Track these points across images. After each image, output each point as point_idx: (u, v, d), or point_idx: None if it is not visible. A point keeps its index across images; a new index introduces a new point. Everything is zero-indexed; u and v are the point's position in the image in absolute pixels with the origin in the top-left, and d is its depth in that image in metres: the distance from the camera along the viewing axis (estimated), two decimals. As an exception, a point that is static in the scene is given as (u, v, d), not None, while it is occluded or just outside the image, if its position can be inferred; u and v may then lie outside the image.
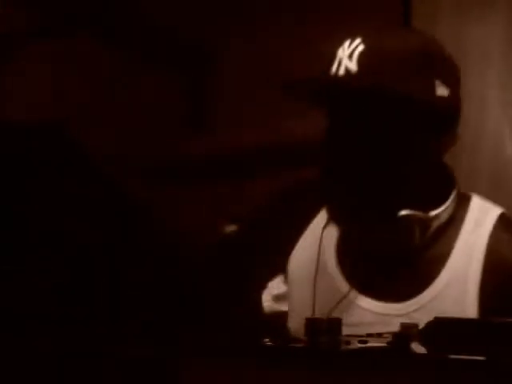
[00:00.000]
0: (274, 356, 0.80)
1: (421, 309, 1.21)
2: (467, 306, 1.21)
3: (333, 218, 1.26)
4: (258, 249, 1.37)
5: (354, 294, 1.25)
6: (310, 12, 2.53)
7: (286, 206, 1.37)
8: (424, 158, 1.24)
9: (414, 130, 1.22)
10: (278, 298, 1.34)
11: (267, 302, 1.34)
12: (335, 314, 1.20)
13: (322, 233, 1.28)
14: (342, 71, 1.22)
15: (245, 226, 1.46)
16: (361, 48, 1.21)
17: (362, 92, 1.21)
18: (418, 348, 0.84)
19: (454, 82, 1.25)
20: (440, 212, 1.24)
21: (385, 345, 0.86)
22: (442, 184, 1.28)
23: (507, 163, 1.89)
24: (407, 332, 0.87)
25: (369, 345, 0.86)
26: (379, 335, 0.89)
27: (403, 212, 1.20)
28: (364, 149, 1.22)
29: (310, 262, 1.29)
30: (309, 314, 1.18)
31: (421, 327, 0.88)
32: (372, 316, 1.23)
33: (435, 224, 1.24)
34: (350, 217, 1.26)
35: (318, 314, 1.10)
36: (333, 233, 1.31)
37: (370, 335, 0.90)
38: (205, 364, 0.80)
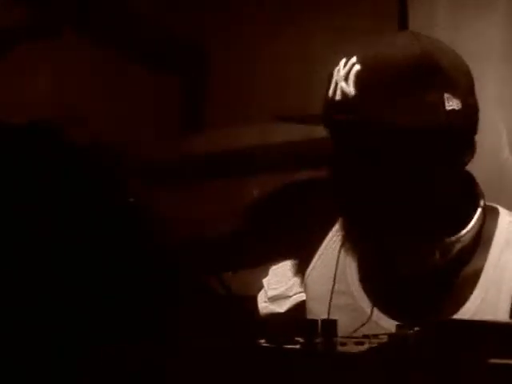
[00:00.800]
0: (269, 357, 0.80)
1: None
2: None
3: (350, 242, 1.20)
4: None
5: (378, 315, 1.20)
6: (306, 13, 2.53)
7: (300, 216, 1.32)
8: (443, 177, 1.17)
9: (427, 150, 1.13)
10: (274, 299, 1.32)
11: (263, 302, 1.33)
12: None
13: (339, 253, 1.23)
14: (338, 95, 1.14)
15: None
16: (357, 68, 1.12)
17: (362, 120, 1.13)
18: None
19: (465, 92, 1.15)
20: (462, 234, 1.18)
21: (381, 346, 0.86)
22: (466, 200, 1.21)
23: (504, 165, 1.89)
24: (403, 333, 0.87)
25: (365, 346, 0.86)
26: (375, 336, 0.90)
27: (423, 237, 1.16)
28: (375, 178, 1.15)
29: (328, 278, 1.24)
30: None
31: (417, 329, 0.88)
32: None
33: (459, 246, 1.18)
34: (368, 241, 1.20)
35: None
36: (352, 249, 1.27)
37: (365, 336, 0.90)
38: (200, 364, 0.81)
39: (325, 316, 1.17)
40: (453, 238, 1.17)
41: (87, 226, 1.25)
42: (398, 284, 1.21)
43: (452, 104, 1.12)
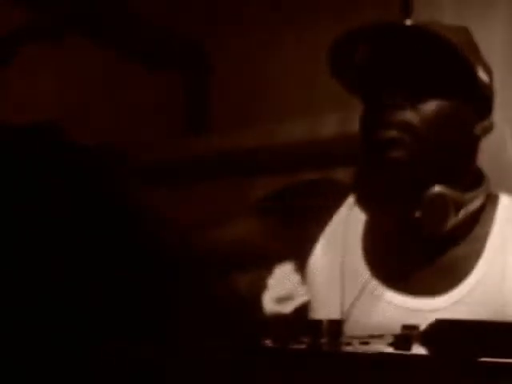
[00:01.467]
0: (275, 357, 0.80)
1: (459, 302, 1.19)
2: (505, 298, 1.20)
3: (364, 198, 1.23)
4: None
5: (383, 289, 1.23)
6: (308, 9, 2.53)
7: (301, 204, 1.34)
8: (466, 138, 1.24)
9: (460, 101, 1.22)
10: (279, 300, 1.33)
11: (269, 303, 1.33)
12: (367, 314, 1.20)
13: (348, 224, 1.26)
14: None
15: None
16: (414, 21, 1.21)
17: (417, 32, 1.19)
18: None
19: (490, 74, 1.28)
20: (473, 196, 1.23)
21: (386, 346, 0.86)
22: (475, 175, 1.28)
23: (508, 164, 1.89)
24: (408, 333, 0.87)
25: (370, 346, 0.86)
26: (381, 336, 0.89)
27: (437, 188, 1.18)
28: (408, 112, 1.19)
29: (335, 263, 1.27)
30: (337, 314, 1.18)
31: (422, 328, 0.87)
32: (405, 312, 1.20)
33: (468, 208, 1.23)
34: (383, 194, 1.22)
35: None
36: (358, 228, 1.29)
37: (371, 336, 0.89)
38: (205, 363, 0.80)
39: (337, 296, 1.22)
40: (464, 197, 1.21)
41: (87, 226, 1.24)
42: (404, 255, 1.24)
43: (483, 76, 1.24)
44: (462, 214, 1.22)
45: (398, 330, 0.88)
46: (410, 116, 1.19)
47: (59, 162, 1.29)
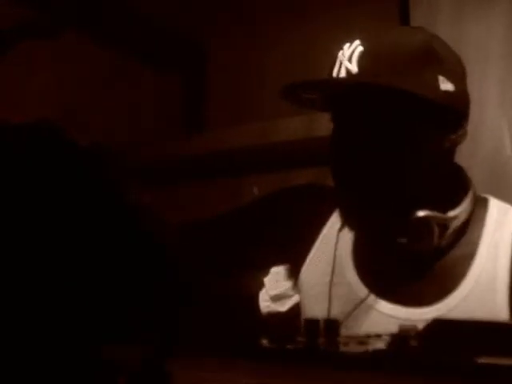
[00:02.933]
0: (271, 357, 0.79)
1: (450, 311, 1.19)
2: (497, 306, 1.19)
3: (348, 223, 1.24)
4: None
5: (374, 300, 1.23)
6: (307, 10, 2.53)
7: (294, 214, 1.34)
8: (434, 155, 1.22)
9: (420, 126, 1.19)
10: (276, 298, 1.33)
11: (265, 302, 1.33)
12: (357, 324, 1.19)
13: (338, 236, 1.26)
14: (342, 73, 1.20)
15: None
16: (360, 49, 1.19)
17: (362, 89, 1.19)
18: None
19: (459, 78, 1.23)
20: (458, 213, 1.22)
21: (384, 346, 0.85)
22: (457, 185, 1.26)
23: (506, 163, 1.89)
24: (406, 333, 0.87)
25: (368, 346, 0.86)
26: (378, 336, 0.89)
27: (420, 213, 1.18)
28: (371, 148, 1.19)
29: (325, 272, 1.27)
30: None
31: (420, 328, 0.87)
32: (397, 322, 1.19)
33: (454, 224, 1.22)
34: (365, 220, 1.23)
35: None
36: (348, 240, 1.29)
37: (368, 336, 0.89)
38: (201, 364, 0.80)
39: (324, 309, 1.22)
40: (448, 216, 1.20)
41: (87, 226, 1.24)
42: (394, 267, 1.24)
43: (446, 86, 1.19)
44: (449, 232, 1.22)
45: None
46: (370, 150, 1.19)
47: (58, 162, 1.29)
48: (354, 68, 1.19)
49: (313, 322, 0.83)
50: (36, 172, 1.22)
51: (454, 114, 1.22)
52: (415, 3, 2.08)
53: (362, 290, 1.25)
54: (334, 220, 1.30)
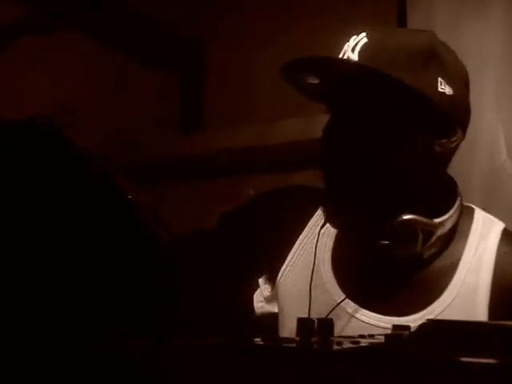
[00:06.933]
0: (265, 356, 0.80)
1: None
2: (479, 315, 1.19)
3: (330, 222, 1.22)
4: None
5: (354, 308, 1.22)
6: (307, 11, 2.53)
7: (273, 218, 1.33)
8: (424, 157, 1.20)
9: (411, 123, 1.18)
10: (270, 299, 1.33)
11: (260, 302, 1.33)
12: (337, 331, 1.19)
13: (318, 236, 1.25)
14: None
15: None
16: (364, 41, 1.19)
17: (360, 78, 1.18)
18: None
19: (459, 84, 1.21)
20: (443, 220, 1.21)
21: (377, 346, 0.86)
22: (445, 193, 1.25)
23: (501, 167, 1.89)
24: (399, 333, 0.87)
25: (360, 345, 0.86)
26: (371, 336, 0.89)
27: (405, 216, 1.17)
28: (362, 145, 1.19)
29: (304, 277, 1.26)
30: None
31: (413, 329, 0.88)
32: (376, 331, 1.18)
33: (439, 232, 1.21)
34: (349, 219, 1.22)
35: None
36: (329, 241, 1.28)
37: (361, 336, 0.90)
38: (195, 362, 0.81)
39: (301, 312, 1.20)
40: (434, 222, 1.19)
41: (86, 225, 1.24)
42: (375, 275, 1.23)
43: (444, 88, 1.17)
44: (434, 239, 1.21)
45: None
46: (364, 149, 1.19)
47: (55, 161, 1.29)
48: (354, 57, 1.19)
49: (307, 321, 0.84)
50: (32, 168, 1.23)
51: (448, 117, 1.20)
52: (413, 5, 2.08)
53: (339, 295, 1.23)
54: (316, 220, 1.29)
